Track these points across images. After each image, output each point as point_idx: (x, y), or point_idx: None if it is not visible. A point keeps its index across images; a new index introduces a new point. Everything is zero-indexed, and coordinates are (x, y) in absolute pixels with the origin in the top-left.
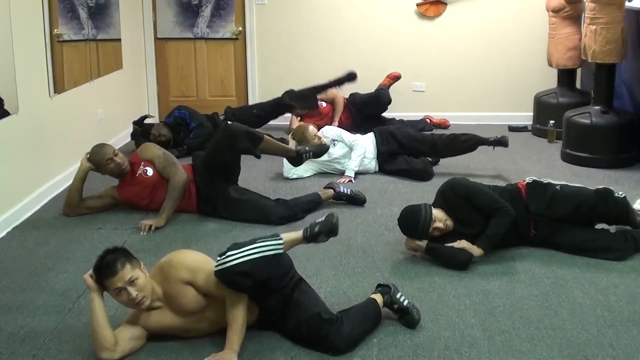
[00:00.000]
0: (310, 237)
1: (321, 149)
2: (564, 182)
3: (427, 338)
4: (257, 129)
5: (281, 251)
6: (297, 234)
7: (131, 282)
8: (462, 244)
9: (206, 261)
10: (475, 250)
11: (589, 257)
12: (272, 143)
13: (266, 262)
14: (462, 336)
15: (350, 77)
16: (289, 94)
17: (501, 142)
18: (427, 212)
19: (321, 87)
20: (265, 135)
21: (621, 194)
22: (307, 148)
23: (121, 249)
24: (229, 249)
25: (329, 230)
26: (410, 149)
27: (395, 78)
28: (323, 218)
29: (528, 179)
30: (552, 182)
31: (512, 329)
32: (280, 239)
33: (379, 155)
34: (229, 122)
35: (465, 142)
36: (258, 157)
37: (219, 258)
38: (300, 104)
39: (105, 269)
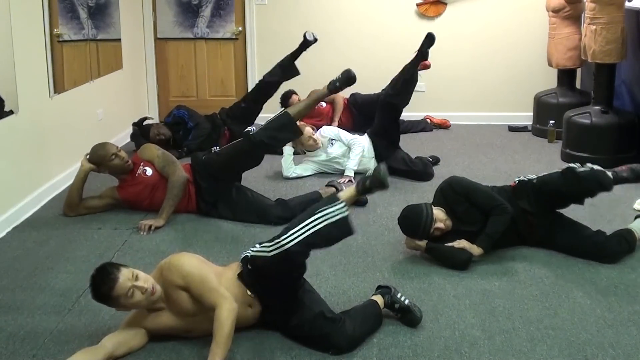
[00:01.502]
0: (363, 191)
1: (347, 76)
2: (543, 173)
3: (427, 338)
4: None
5: (346, 213)
6: (351, 190)
7: (136, 277)
8: (462, 243)
9: (203, 267)
10: (475, 250)
11: (586, 259)
12: (301, 110)
13: (332, 229)
14: (462, 336)
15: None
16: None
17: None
18: (428, 213)
19: (293, 55)
20: (289, 113)
21: (586, 168)
22: (336, 82)
23: (105, 263)
24: (286, 229)
25: (379, 184)
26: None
27: (425, 67)
28: (371, 172)
29: (516, 179)
30: (532, 177)
31: (512, 329)
32: (341, 202)
33: (377, 152)
34: (250, 133)
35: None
36: (301, 134)
37: (275, 241)
38: (279, 74)
39: (107, 281)
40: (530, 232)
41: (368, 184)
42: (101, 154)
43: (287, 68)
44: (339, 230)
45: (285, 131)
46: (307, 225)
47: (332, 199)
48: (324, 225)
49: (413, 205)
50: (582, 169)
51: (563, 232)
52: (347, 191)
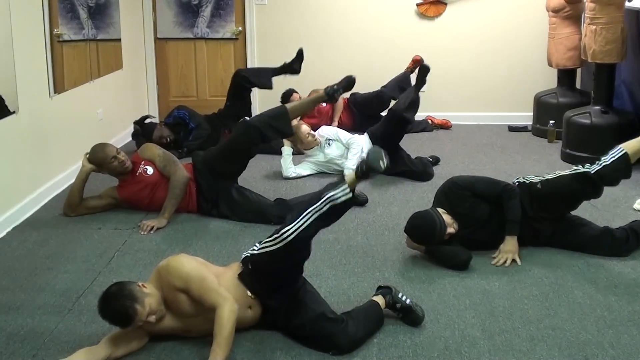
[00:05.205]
0: (361, 174)
1: (348, 80)
2: (546, 176)
3: (427, 338)
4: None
5: (350, 196)
6: (351, 175)
7: (149, 309)
8: (503, 257)
9: (202, 269)
10: (510, 241)
11: (593, 255)
12: (297, 108)
13: (335, 209)
14: (462, 336)
15: (299, 59)
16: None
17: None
18: (440, 219)
19: (274, 70)
20: (286, 107)
21: (597, 167)
22: (334, 86)
23: (117, 290)
24: (290, 219)
25: (372, 168)
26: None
27: (417, 62)
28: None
29: (515, 180)
30: (534, 179)
31: (512, 329)
32: (345, 185)
33: None
34: (246, 119)
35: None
36: (291, 134)
37: (280, 232)
38: (253, 78)
39: (119, 322)
40: (533, 235)
41: (365, 168)
42: (100, 156)
43: (262, 75)
44: (343, 209)
45: (278, 120)
46: (312, 210)
47: (337, 183)
48: (328, 208)
49: (422, 214)
50: (594, 171)
51: (570, 234)
52: (349, 176)
